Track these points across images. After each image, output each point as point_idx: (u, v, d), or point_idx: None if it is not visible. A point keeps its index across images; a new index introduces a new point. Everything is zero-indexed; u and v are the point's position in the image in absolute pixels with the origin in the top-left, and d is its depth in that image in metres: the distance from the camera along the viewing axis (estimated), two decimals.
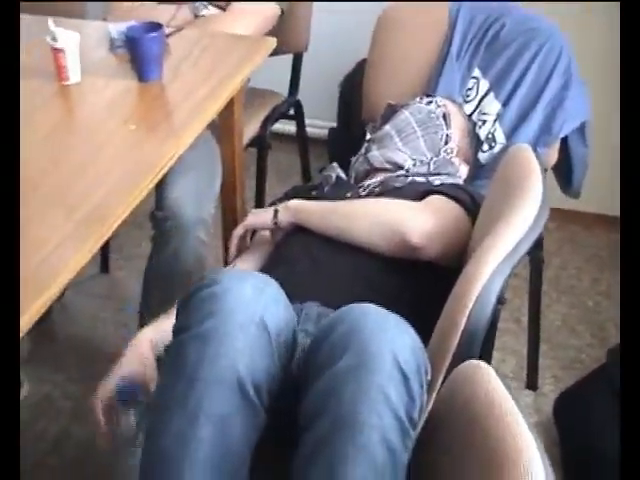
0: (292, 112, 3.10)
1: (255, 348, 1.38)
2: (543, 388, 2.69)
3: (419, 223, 1.82)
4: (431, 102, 2.28)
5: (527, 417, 1.12)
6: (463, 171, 2.25)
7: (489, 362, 2.32)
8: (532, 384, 2.69)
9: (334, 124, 3.16)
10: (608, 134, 3.04)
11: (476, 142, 2.40)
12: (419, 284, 1.81)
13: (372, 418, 1.26)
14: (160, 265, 2.34)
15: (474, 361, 1.25)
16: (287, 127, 3.37)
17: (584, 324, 2.97)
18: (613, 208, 3.39)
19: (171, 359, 1.40)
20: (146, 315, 2.43)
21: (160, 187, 2.27)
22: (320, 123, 3.51)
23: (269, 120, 2.90)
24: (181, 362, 1.36)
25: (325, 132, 3.35)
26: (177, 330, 1.42)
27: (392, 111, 2.34)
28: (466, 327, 1.39)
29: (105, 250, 3.09)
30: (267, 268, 1.95)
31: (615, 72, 3.09)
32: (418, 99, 2.32)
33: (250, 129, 2.84)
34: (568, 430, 2.44)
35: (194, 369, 1.35)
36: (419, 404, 1.33)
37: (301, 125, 3.12)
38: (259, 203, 2.99)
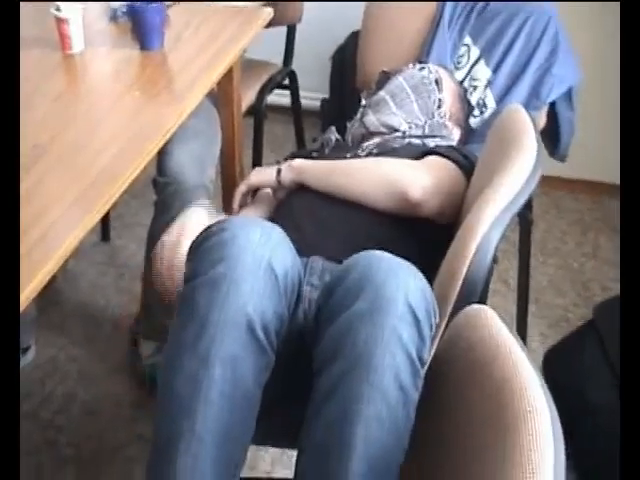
0: (287, 82, 3.10)
1: (263, 290, 1.39)
2: (531, 345, 2.72)
3: (418, 179, 1.84)
4: (424, 68, 2.29)
5: (530, 357, 1.14)
6: (456, 134, 2.27)
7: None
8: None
9: (326, 95, 3.18)
10: (591, 103, 3.09)
11: (468, 107, 2.42)
12: (419, 238, 1.83)
13: (386, 358, 1.28)
14: (163, 228, 2.35)
15: (477, 305, 1.27)
16: (281, 99, 3.37)
17: (569, 284, 3.01)
18: (595, 173, 3.45)
19: (183, 304, 1.40)
20: (150, 278, 2.45)
21: (162, 153, 2.28)
22: (312, 95, 3.52)
23: (265, 89, 2.92)
24: (193, 306, 1.38)
25: (317, 103, 3.37)
26: (188, 277, 1.43)
27: (386, 78, 2.36)
28: (467, 275, 1.42)
29: (105, 219, 3.10)
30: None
31: (604, 44, 3.15)
32: (411, 66, 2.33)
33: (247, 98, 2.85)
34: (557, 381, 2.47)
35: (205, 313, 1.36)
36: (428, 345, 1.36)
37: (295, 94, 3.14)
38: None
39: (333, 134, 2.23)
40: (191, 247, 1.47)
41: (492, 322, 1.20)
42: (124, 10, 2.17)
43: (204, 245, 1.44)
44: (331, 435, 1.28)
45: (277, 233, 1.47)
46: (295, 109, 3.15)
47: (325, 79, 3.10)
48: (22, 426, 2.36)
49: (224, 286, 1.37)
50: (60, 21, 2.12)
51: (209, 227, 1.47)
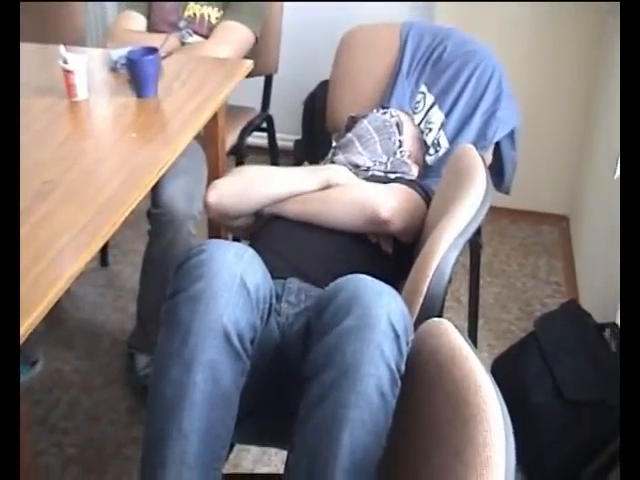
0: (265, 125, 3.13)
1: (237, 303, 1.41)
2: (481, 355, 2.72)
3: (386, 200, 1.89)
4: (386, 112, 2.33)
5: (482, 362, 1.17)
6: (415, 170, 2.30)
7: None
8: None
9: (299, 137, 3.20)
10: (532, 140, 3.14)
11: (424, 147, 2.46)
12: (386, 258, 1.87)
13: (370, 369, 1.31)
14: (157, 254, 2.37)
15: (436, 319, 1.29)
16: (260, 140, 3.38)
17: (513, 301, 3.04)
18: (535, 204, 3.49)
19: (168, 317, 1.42)
20: (145, 298, 2.46)
21: (156, 188, 2.30)
22: (288, 137, 3.54)
23: (245, 131, 2.93)
24: (176, 319, 1.40)
25: (290, 145, 3.39)
26: (172, 293, 1.44)
27: (353, 121, 2.40)
28: (428, 292, 1.44)
29: (104, 247, 3.10)
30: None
31: (539, 87, 3.22)
32: (375, 110, 2.37)
33: (229, 139, 2.86)
34: (502, 387, 2.48)
35: (187, 324, 1.39)
36: (405, 358, 1.38)
37: (272, 136, 3.15)
38: None
39: None
40: (176, 266, 1.49)
41: (449, 331, 1.23)
42: (123, 62, 2.18)
43: (186, 265, 1.46)
44: (321, 435, 1.31)
45: (249, 254, 1.50)
46: (272, 149, 3.16)
47: (298, 122, 3.12)
48: (32, 430, 2.35)
49: (204, 300, 1.40)
50: (67, 72, 2.14)
51: (190, 249, 1.50)
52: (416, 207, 1.96)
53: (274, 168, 2.20)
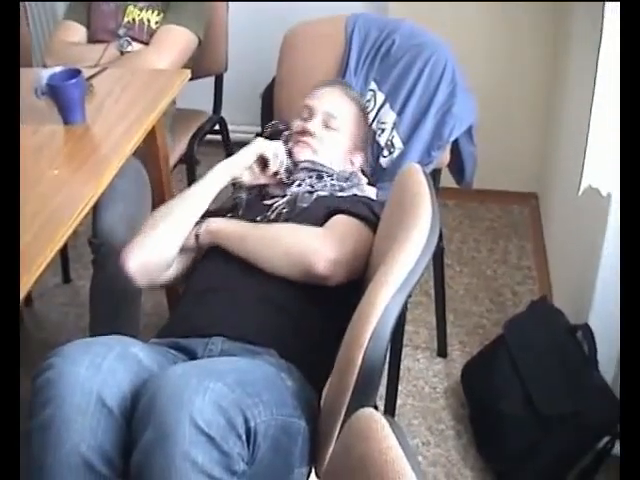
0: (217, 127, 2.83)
1: (97, 425, 1.20)
2: (452, 354, 2.51)
3: (323, 253, 1.57)
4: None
5: (422, 476, 0.92)
6: (363, 180, 2.03)
7: (401, 341, 2.18)
8: (442, 352, 2.52)
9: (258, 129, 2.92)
10: (497, 117, 2.90)
11: (377, 148, 2.19)
12: (332, 302, 1.59)
13: None
14: (103, 284, 2.12)
15: (368, 411, 1.03)
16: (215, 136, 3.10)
17: (483, 291, 2.80)
18: (503, 183, 3.22)
19: (25, 445, 1.21)
20: (95, 327, 2.21)
21: (94, 216, 2.06)
22: (247, 129, 3.25)
23: (195, 138, 2.64)
24: (30, 450, 1.20)
25: (251, 137, 3.10)
26: (29, 415, 1.24)
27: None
28: (363, 365, 1.19)
29: (65, 262, 2.83)
30: (184, 298, 1.73)
31: (496, 78, 2.96)
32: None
33: (179, 147, 2.59)
34: (473, 394, 2.28)
35: (40, 457, 1.18)
36: (242, 454, 1.16)
37: (226, 139, 2.86)
38: None
39: (244, 193, 1.95)
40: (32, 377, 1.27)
41: (382, 435, 0.97)
42: (44, 91, 1.89)
43: (35, 383, 1.24)
44: None
45: (109, 359, 1.26)
46: (227, 152, 2.86)
47: (254, 116, 2.83)
48: None
49: (54, 428, 1.19)
50: None
51: (45, 359, 1.27)
52: (361, 244, 1.67)
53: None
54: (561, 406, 1.96)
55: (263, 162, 1.92)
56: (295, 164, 1.95)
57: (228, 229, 1.74)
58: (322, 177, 1.92)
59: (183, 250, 1.77)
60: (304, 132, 1.99)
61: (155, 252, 1.71)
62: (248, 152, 1.90)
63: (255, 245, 1.66)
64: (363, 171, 2.11)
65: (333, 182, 1.92)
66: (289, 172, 1.93)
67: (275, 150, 1.92)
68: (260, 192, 1.96)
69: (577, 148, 2.16)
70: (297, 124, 2.02)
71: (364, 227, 1.71)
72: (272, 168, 1.90)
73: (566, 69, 2.72)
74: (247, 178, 1.91)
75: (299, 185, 1.89)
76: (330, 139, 1.99)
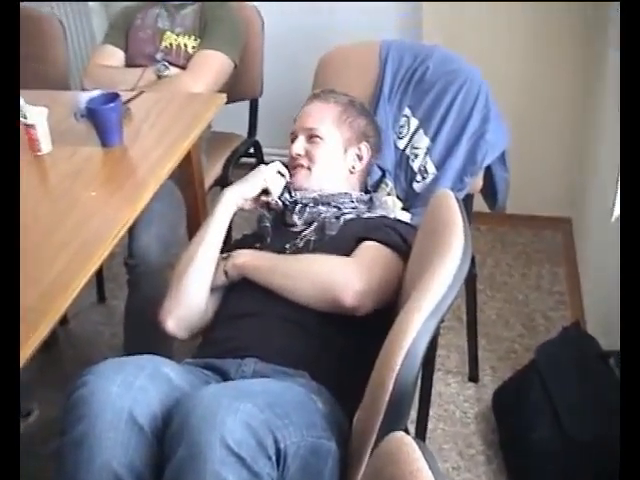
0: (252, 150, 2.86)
1: (128, 443, 1.22)
2: (483, 379, 2.49)
3: (351, 285, 1.55)
4: None
5: None
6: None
7: (433, 365, 2.17)
8: (473, 377, 2.50)
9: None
10: (530, 142, 2.89)
11: (410, 173, 2.19)
12: (360, 331, 1.57)
13: None
14: (138, 304, 2.15)
15: (399, 434, 1.03)
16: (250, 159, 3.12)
17: (515, 316, 2.77)
18: (535, 209, 3.20)
19: (57, 462, 1.24)
20: (129, 346, 2.23)
21: (130, 237, 2.08)
22: (281, 152, 3.27)
23: (230, 161, 2.67)
24: (62, 467, 1.22)
25: (285, 160, 3.12)
26: (60, 431, 1.26)
27: None
28: (394, 388, 1.19)
29: (100, 281, 2.86)
30: (216, 322, 1.73)
31: (528, 104, 2.95)
32: None
33: (214, 171, 2.61)
34: (504, 420, 2.26)
35: (72, 473, 1.21)
36: (272, 475, 1.17)
37: (261, 162, 2.88)
38: (226, 239, 2.74)
39: (268, 221, 1.91)
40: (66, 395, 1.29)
41: (412, 458, 0.97)
42: (83, 114, 1.93)
43: (69, 400, 1.26)
44: None
45: (141, 379, 1.28)
46: None
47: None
48: None
49: (86, 444, 1.21)
50: (28, 127, 1.91)
51: (78, 377, 1.29)
52: (390, 273, 1.65)
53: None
54: (594, 432, 1.93)
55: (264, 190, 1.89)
56: (293, 190, 1.92)
57: (255, 262, 1.72)
58: (339, 208, 1.89)
59: (214, 289, 1.76)
60: (292, 158, 1.98)
61: (187, 304, 1.72)
62: (255, 185, 1.86)
63: (282, 278, 1.65)
64: (399, 197, 2.12)
65: (354, 204, 1.92)
66: (290, 196, 1.91)
67: (279, 182, 1.89)
68: (281, 218, 1.94)
69: (611, 173, 2.15)
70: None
71: (394, 255, 1.69)
72: (274, 196, 1.88)
73: (599, 94, 2.71)
74: (248, 206, 1.89)
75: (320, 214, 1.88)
76: (318, 150, 1.95)
